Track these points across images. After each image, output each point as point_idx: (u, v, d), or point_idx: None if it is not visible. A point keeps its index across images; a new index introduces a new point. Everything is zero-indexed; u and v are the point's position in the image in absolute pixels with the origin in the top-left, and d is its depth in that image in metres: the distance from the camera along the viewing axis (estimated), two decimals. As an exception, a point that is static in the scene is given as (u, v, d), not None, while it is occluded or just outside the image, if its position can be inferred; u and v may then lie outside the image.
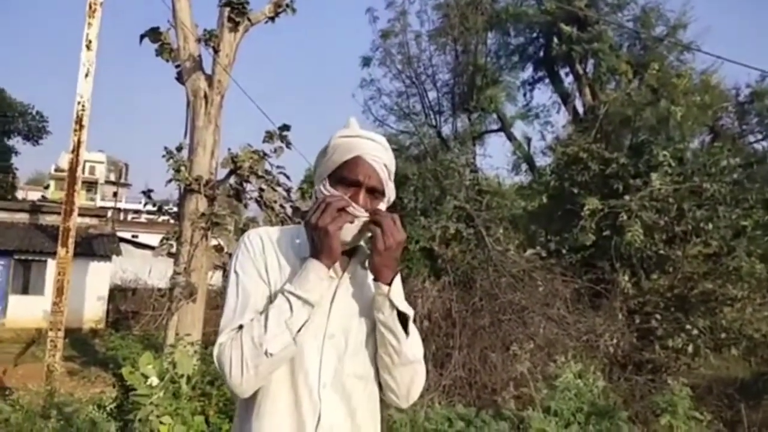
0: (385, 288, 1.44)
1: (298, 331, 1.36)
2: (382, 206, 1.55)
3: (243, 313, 1.41)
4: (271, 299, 1.43)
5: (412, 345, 1.49)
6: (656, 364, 8.39)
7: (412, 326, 1.50)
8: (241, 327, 1.39)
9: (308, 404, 1.40)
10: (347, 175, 1.50)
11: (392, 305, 1.44)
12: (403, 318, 1.46)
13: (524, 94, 20.18)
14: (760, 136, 15.51)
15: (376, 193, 1.52)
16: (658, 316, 9.07)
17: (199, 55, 10.27)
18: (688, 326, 8.98)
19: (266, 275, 1.47)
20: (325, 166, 1.55)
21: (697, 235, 10.18)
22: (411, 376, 1.51)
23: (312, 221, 1.42)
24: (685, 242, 10.14)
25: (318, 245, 1.42)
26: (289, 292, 1.38)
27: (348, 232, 1.47)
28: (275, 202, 10.59)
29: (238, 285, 1.46)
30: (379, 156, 1.52)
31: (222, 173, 10.43)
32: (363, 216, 1.46)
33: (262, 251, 1.49)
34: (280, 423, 1.40)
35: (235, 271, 1.49)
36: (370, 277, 1.50)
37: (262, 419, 1.41)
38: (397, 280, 1.47)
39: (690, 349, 8.89)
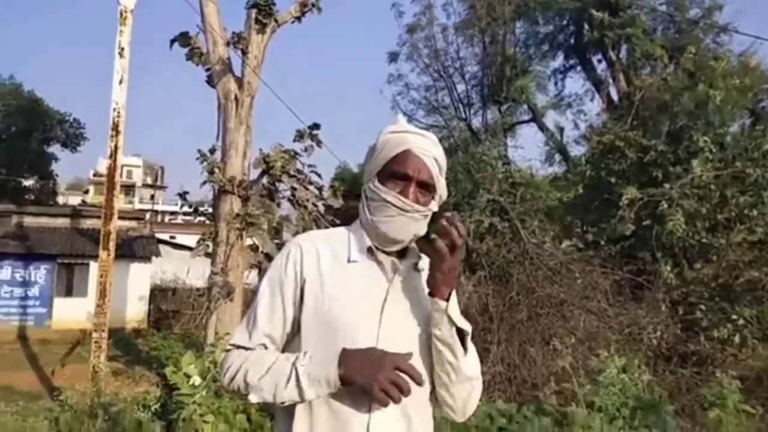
0: (443, 304, 1.39)
1: (282, 402, 1.35)
2: (434, 204, 1.50)
3: (252, 334, 1.46)
4: (295, 318, 1.45)
5: (471, 361, 1.44)
6: (702, 355, 8.14)
7: (470, 342, 1.44)
8: (246, 348, 1.45)
9: (356, 421, 1.36)
10: (397, 169, 1.46)
11: (451, 321, 1.39)
12: (460, 333, 1.41)
13: (555, 83, 19.89)
14: (804, 118, 14.93)
15: (426, 188, 1.47)
16: (702, 307, 8.81)
17: (228, 58, 10.39)
18: (734, 316, 8.70)
19: (295, 293, 1.45)
20: (374, 163, 1.51)
21: (741, 222, 9.84)
22: (469, 392, 1.48)
23: (368, 377, 1.29)
24: (729, 230, 9.82)
25: (356, 370, 1.31)
26: (296, 375, 1.33)
27: (402, 228, 1.43)
28: (308, 200, 10.66)
29: (259, 303, 1.48)
30: (428, 150, 1.48)
31: (254, 173, 10.55)
32: (420, 211, 1.43)
33: (300, 267, 1.46)
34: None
35: (265, 284, 1.49)
36: (423, 279, 1.46)
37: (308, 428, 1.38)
38: (454, 294, 1.42)
39: (736, 339, 8.61)
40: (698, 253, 9.93)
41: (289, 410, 1.40)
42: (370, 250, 1.46)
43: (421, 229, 1.47)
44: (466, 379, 1.45)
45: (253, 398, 1.37)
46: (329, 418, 1.37)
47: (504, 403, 5.69)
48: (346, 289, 1.42)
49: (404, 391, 1.27)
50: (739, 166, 10.01)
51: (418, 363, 1.43)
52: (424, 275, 1.50)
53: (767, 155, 10.17)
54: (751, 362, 8.52)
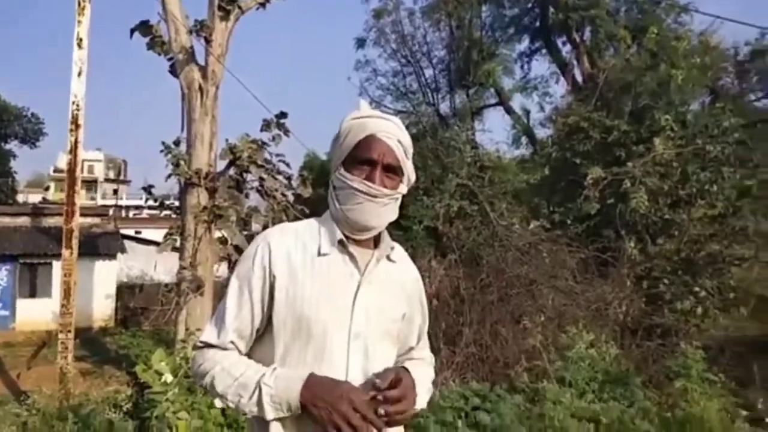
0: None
1: (245, 414, 1.38)
2: (402, 187, 1.49)
3: (221, 331, 1.44)
4: (264, 314, 1.43)
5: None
6: (666, 328, 8.39)
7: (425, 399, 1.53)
8: (215, 347, 1.44)
9: None
10: (361, 155, 1.44)
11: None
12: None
13: (521, 66, 20.06)
14: (760, 94, 15.38)
15: (393, 171, 1.46)
16: (665, 281, 9.07)
17: (191, 47, 10.15)
18: (696, 288, 8.98)
19: (263, 289, 1.42)
20: (339, 151, 1.49)
21: (701, 198, 10.12)
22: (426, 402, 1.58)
23: (324, 412, 1.29)
24: (690, 205, 10.10)
25: (315, 401, 1.30)
26: (259, 394, 1.33)
27: (372, 214, 1.42)
28: (276, 190, 10.55)
29: (227, 300, 1.45)
30: (392, 133, 1.46)
31: (221, 165, 10.39)
32: (389, 195, 1.43)
33: (268, 263, 1.43)
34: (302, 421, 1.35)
35: (233, 280, 1.47)
36: (394, 270, 1.51)
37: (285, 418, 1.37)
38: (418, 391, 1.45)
39: (699, 310, 8.90)
40: (661, 228, 10.20)
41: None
42: (341, 242, 1.44)
43: (392, 213, 1.48)
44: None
45: (218, 404, 1.40)
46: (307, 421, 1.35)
47: (477, 383, 5.77)
48: (318, 283, 1.40)
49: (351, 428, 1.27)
50: (699, 143, 10.26)
51: (387, 345, 1.47)
52: (397, 266, 1.53)
53: (726, 132, 10.45)
54: (713, 332, 8.83)
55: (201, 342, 1.48)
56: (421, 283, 1.64)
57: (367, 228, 1.44)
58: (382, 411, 1.31)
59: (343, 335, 1.39)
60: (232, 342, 1.43)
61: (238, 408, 1.36)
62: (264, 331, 1.45)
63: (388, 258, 1.50)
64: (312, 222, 1.53)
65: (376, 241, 1.50)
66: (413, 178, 1.53)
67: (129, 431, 4.08)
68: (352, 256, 1.44)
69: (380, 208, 1.43)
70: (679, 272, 9.39)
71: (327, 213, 1.53)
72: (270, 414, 1.32)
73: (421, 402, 1.48)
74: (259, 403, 1.33)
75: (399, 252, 1.57)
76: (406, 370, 1.44)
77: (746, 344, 8.93)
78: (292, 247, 1.45)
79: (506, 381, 6.11)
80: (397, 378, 1.35)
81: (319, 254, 1.43)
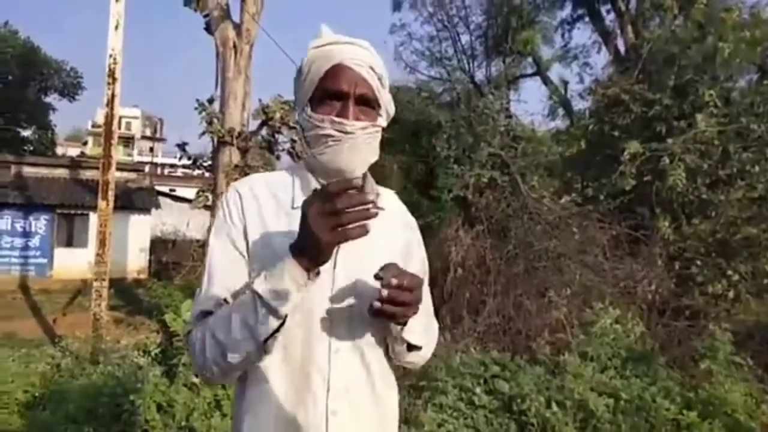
0: (399, 328, 1.26)
1: (267, 339, 1.14)
2: (381, 120, 1.32)
3: (209, 294, 1.25)
4: (247, 265, 1.27)
5: (419, 353, 1.37)
6: (695, 310, 8.22)
7: (420, 338, 1.33)
8: (208, 313, 1.24)
9: (316, 372, 1.25)
10: (330, 87, 1.26)
11: (403, 341, 1.29)
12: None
13: (562, 35, 19.46)
14: (813, 73, 14.63)
15: (368, 104, 1.29)
16: (698, 262, 8.83)
17: (227, 4, 10.16)
18: (729, 272, 8.74)
19: (244, 240, 1.28)
20: (304, 88, 1.31)
21: (742, 179, 9.76)
22: (422, 357, 1.41)
23: (307, 212, 1.09)
24: (729, 186, 9.75)
25: (305, 243, 1.10)
26: (258, 295, 1.12)
27: (348, 155, 1.26)
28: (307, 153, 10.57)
29: (210, 259, 1.29)
30: (363, 60, 1.28)
31: (254, 125, 10.45)
32: (365, 128, 1.27)
33: (241, 212, 1.29)
34: (286, 391, 1.25)
35: (213, 238, 1.31)
36: (377, 227, 1.16)
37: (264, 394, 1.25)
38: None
39: (730, 294, 8.67)
40: (697, 208, 9.90)
41: (242, 376, 1.29)
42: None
43: (372, 153, 1.32)
44: (415, 355, 1.38)
45: (235, 356, 1.15)
46: (287, 375, 1.25)
47: (498, 353, 5.79)
48: (291, 239, 1.16)
49: (343, 215, 1.04)
50: (743, 121, 9.84)
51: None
52: (386, 214, 1.32)
53: (773, 111, 9.99)
54: (743, 317, 8.61)
55: (193, 319, 1.28)
56: (417, 231, 1.48)
57: (344, 172, 1.25)
58: (385, 293, 1.12)
59: (325, 296, 1.25)
60: (225, 300, 1.24)
61: (255, 334, 1.12)
62: None
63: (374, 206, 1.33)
64: (284, 172, 1.40)
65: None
66: (392, 110, 1.38)
67: (156, 375, 4.22)
68: None
69: (358, 146, 1.26)
70: (713, 254, 9.13)
71: (301, 162, 1.40)
72: (285, 308, 1.11)
73: (419, 337, 1.31)
74: (267, 306, 1.11)
75: (389, 198, 1.43)
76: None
77: (778, 331, 8.71)
78: (263, 200, 1.30)
79: (527, 353, 6.11)
80: (400, 270, 1.17)
81: (293, 207, 1.27)
